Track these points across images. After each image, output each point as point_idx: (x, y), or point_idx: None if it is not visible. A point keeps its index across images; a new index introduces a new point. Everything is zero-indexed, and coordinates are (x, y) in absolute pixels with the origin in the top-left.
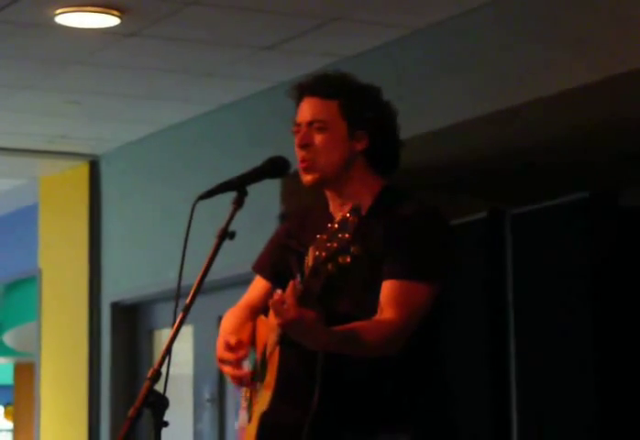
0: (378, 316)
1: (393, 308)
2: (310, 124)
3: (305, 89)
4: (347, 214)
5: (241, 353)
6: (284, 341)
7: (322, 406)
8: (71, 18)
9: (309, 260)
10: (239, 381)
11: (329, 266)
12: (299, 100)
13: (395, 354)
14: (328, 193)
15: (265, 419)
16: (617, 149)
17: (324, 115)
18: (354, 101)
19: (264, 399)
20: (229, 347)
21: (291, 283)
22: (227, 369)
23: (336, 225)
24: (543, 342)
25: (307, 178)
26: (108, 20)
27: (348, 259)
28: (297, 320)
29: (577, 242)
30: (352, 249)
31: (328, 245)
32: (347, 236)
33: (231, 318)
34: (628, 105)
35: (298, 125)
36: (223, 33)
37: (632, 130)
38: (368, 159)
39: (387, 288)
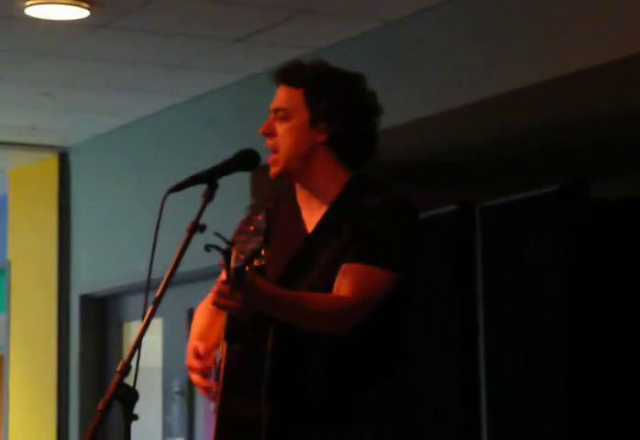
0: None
1: (349, 288)
2: (275, 112)
3: (277, 76)
4: (260, 217)
5: (209, 362)
6: (228, 336)
7: (272, 403)
8: (42, 10)
9: (232, 262)
10: (206, 391)
11: (247, 268)
12: (277, 88)
13: (351, 342)
14: (296, 185)
15: (221, 412)
16: (587, 141)
17: (286, 103)
18: (320, 90)
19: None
20: (198, 356)
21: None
22: (195, 378)
23: (252, 228)
24: (513, 336)
25: (272, 170)
26: (78, 12)
27: (264, 262)
28: (241, 306)
29: (547, 235)
30: (262, 252)
31: (244, 247)
32: (257, 239)
33: (202, 315)
34: (597, 98)
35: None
36: (193, 25)
37: (600, 121)
38: (332, 150)
39: (344, 270)
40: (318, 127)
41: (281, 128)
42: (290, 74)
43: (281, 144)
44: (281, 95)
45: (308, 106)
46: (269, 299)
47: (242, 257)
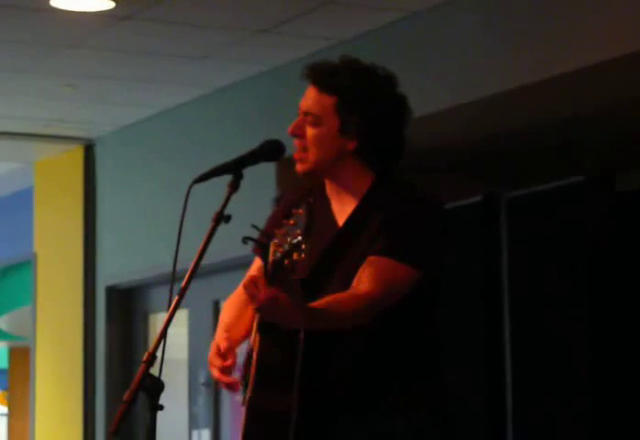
0: (354, 287)
1: (371, 282)
2: (305, 114)
3: (310, 76)
4: (300, 211)
5: (229, 361)
6: (261, 328)
7: (303, 396)
8: (67, 2)
9: (271, 255)
10: (228, 387)
11: (286, 261)
12: (307, 82)
13: (382, 336)
14: (325, 179)
15: (251, 404)
16: (613, 132)
17: (318, 109)
18: (352, 99)
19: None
20: (219, 353)
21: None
22: (215, 374)
23: (292, 222)
24: (538, 327)
25: (299, 167)
26: (104, 3)
27: (303, 256)
28: (268, 301)
29: (572, 226)
30: (303, 246)
31: (284, 241)
32: (298, 232)
33: (230, 307)
34: (621, 89)
35: (299, 109)
36: (218, 16)
37: (626, 113)
38: (360, 157)
39: (369, 262)
40: (348, 136)
41: (310, 133)
42: (323, 79)
43: (309, 148)
44: (312, 99)
45: (339, 116)
46: (301, 320)
47: (281, 250)
